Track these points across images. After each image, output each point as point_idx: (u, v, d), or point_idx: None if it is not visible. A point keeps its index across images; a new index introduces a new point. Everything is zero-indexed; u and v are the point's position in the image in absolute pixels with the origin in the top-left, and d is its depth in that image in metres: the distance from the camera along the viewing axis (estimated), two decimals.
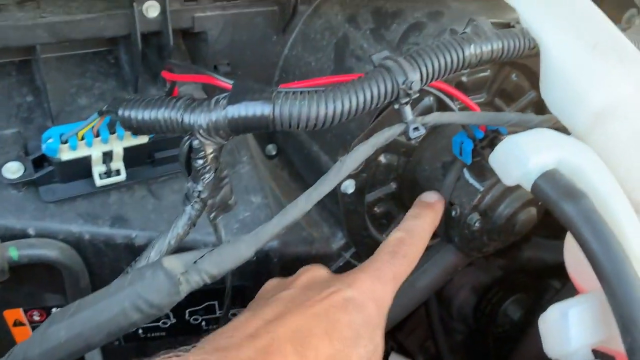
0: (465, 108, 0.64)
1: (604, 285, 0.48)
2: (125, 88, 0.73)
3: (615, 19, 1.13)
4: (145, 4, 0.65)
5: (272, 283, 0.61)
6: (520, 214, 0.70)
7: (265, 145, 0.88)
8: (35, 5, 0.66)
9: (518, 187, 0.55)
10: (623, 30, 1.14)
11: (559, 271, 0.61)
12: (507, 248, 0.76)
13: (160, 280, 0.45)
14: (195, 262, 0.47)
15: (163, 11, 0.66)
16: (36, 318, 0.72)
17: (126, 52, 0.73)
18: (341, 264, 0.82)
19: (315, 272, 0.58)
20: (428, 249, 0.82)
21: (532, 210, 0.70)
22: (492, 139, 0.63)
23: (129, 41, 0.69)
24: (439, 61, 0.55)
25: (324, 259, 0.81)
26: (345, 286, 0.54)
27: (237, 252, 0.48)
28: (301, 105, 0.51)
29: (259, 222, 0.76)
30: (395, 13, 0.71)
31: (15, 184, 0.64)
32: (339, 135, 0.71)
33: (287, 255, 0.77)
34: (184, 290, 0.46)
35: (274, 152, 0.89)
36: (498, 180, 0.65)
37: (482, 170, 0.67)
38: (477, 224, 0.69)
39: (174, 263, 0.47)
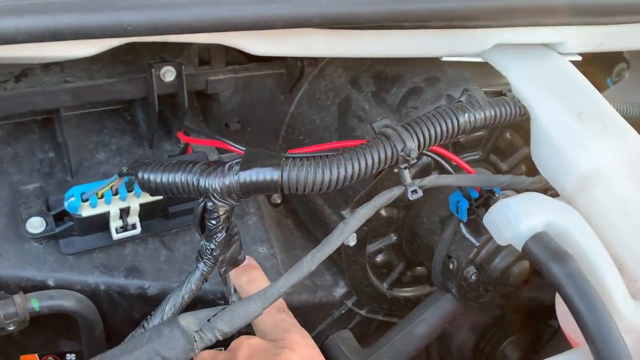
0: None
1: (589, 344, 0.52)
2: (141, 144, 0.78)
3: (606, 73, 1.19)
4: (163, 69, 0.70)
5: (204, 356, 0.58)
6: (514, 267, 0.73)
7: (271, 194, 0.92)
8: (59, 69, 0.71)
9: None
10: (613, 83, 1.19)
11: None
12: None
13: (176, 338, 0.49)
14: (209, 320, 0.50)
15: (179, 75, 0.71)
16: None
17: (142, 111, 0.78)
18: (343, 311, 0.86)
19: (252, 342, 0.56)
20: (426, 297, 0.85)
21: (525, 264, 0.74)
22: (486, 198, 0.67)
23: (146, 101, 0.74)
24: (435, 129, 0.60)
25: (327, 307, 0.84)
26: (289, 351, 0.54)
27: (247, 310, 0.52)
28: (307, 172, 0.55)
29: (265, 272, 0.80)
30: (395, 77, 0.75)
31: (37, 238, 0.67)
32: (341, 191, 0.75)
33: (292, 304, 0.80)
34: (199, 347, 0.49)
35: (279, 201, 0.93)
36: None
37: (477, 226, 0.71)
38: (473, 277, 0.73)
39: (189, 321, 0.50)
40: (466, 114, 0.61)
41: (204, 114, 0.83)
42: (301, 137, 0.83)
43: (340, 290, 0.84)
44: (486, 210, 0.64)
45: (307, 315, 0.83)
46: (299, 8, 0.51)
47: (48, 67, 0.71)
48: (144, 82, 0.70)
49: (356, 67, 0.79)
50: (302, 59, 0.79)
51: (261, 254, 0.80)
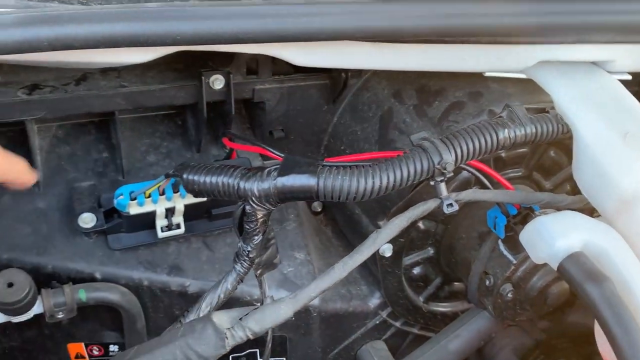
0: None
1: None
2: (190, 148, 0.81)
3: None
4: (212, 77, 0.73)
5: None
6: (552, 287, 0.72)
7: (312, 202, 0.94)
8: (116, 75, 0.76)
9: None
10: None
11: None
12: (551, 311, 0.78)
13: (208, 334, 0.51)
14: (240, 318, 0.52)
15: (227, 84, 0.73)
16: (95, 352, 0.79)
17: (192, 117, 0.81)
18: (377, 322, 0.86)
19: None
20: (463, 313, 0.85)
21: (565, 284, 0.72)
22: (524, 215, 0.66)
23: (196, 107, 0.77)
24: (473, 143, 0.60)
25: (361, 316, 0.85)
26: None
27: (277, 312, 0.53)
28: (343, 180, 0.56)
29: (300, 277, 0.81)
30: (438, 91, 0.76)
31: (87, 233, 0.72)
32: (379, 201, 0.76)
33: (326, 311, 0.81)
34: (230, 344, 0.51)
35: (319, 209, 0.95)
36: None
37: (515, 243, 0.70)
38: (509, 295, 0.72)
39: (222, 318, 0.52)
40: (506, 130, 0.61)
41: (250, 121, 0.86)
42: (342, 147, 0.84)
43: (375, 301, 0.85)
44: (524, 228, 0.64)
45: (340, 323, 0.84)
46: (341, 22, 0.52)
47: (106, 72, 0.76)
48: (195, 89, 0.74)
49: (400, 79, 0.79)
50: (346, 70, 0.80)
51: (298, 259, 0.81)
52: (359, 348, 0.86)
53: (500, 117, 0.63)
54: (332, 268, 0.56)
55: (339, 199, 0.57)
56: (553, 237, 0.57)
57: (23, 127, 0.75)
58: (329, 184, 0.56)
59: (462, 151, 0.59)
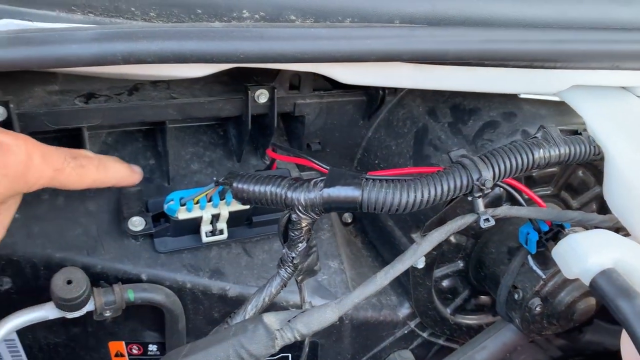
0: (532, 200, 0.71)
1: None
2: (231, 157, 0.85)
3: None
4: (257, 92, 0.76)
5: None
6: (579, 302, 0.74)
7: (343, 213, 0.97)
8: (165, 86, 0.80)
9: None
10: None
11: (620, 358, 0.64)
12: (569, 329, 0.80)
13: (259, 334, 0.54)
14: (289, 321, 0.55)
15: (271, 98, 0.77)
16: (135, 351, 0.83)
17: (234, 128, 0.85)
18: (406, 332, 0.89)
19: None
20: (488, 326, 0.87)
21: (591, 300, 0.75)
22: (556, 232, 0.69)
23: (239, 119, 0.81)
24: (510, 162, 0.63)
25: (390, 325, 0.88)
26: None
27: (324, 316, 0.56)
28: (386, 193, 0.60)
29: (334, 285, 0.85)
30: (472, 110, 0.79)
31: (135, 235, 0.75)
32: (413, 215, 0.79)
33: (358, 319, 0.84)
34: (279, 344, 0.54)
35: (349, 220, 0.98)
36: (560, 270, 0.71)
37: (545, 259, 0.72)
38: (537, 309, 0.74)
39: (272, 320, 0.55)
40: (541, 150, 0.64)
41: (287, 134, 0.89)
42: (376, 162, 0.87)
43: (404, 311, 0.87)
44: (555, 244, 0.66)
45: (371, 331, 0.86)
46: (391, 44, 0.56)
47: (156, 83, 0.80)
48: (240, 102, 0.77)
49: (434, 98, 0.83)
50: (383, 88, 0.84)
51: (332, 268, 0.84)
52: (387, 356, 0.89)
53: (535, 137, 0.66)
54: (375, 276, 0.59)
55: (381, 210, 0.60)
56: (586, 253, 0.59)
57: (76, 133, 0.79)
58: (372, 196, 0.60)
59: (499, 169, 0.62)
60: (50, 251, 0.73)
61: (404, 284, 0.87)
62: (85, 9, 0.60)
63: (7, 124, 0.68)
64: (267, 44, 0.54)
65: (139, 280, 0.75)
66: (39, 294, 0.72)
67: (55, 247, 0.73)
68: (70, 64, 0.53)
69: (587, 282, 0.60)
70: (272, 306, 0.76)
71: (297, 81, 0.81)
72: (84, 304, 0.66)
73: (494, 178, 0.62)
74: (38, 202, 0.74)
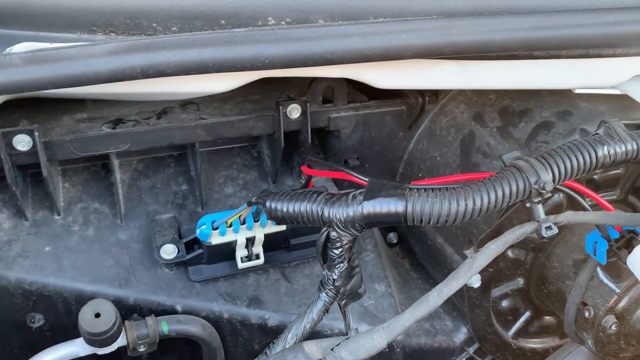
0: (596, 206, 0.64)
1: None
2: (265, 178, 0.81)
3: None
4: (289, 107, 0.73)
5: None
6: None
7: (387, 234, 0.91)
8: (195, 108, 0.77)
9: None
10: None
11: None
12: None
13: None
14: (332, 349, 0.49)
15: (304, 112, 0.73)
16: None
17: (268, 147, 0.81)
18: (464, 359, 0.81)
19: None
20: (555, 350, 0.79)
21: None
22: (628, 239, 0.61)
23: (272, 138, 0.77)
24: (571, 162, 0.56)
25: (446, 353, 0.80)
26: None
27: (371, 342, 0.50)
28: (433, 203, 0.54)
29: (382, 310, 0.78)
30: (523, 112, 0.73)
31: (168, 264, 0.71)
32: (465, 229, 0.73)
33: (410, 347, 0.77)
34: None
35: (395, 241, 0.92)
36: (637, 282, 0.63)
37: (618, 270, 0.65)
38: (612, 327, 0.66)
39: (313, 348, 0.50)
40: (605, 147, 0.57)
41: (323, 151, 0.85)
42: (420, 175, 0.82)
43: (461, 336, 0.80)
44: (629, 252, 0.59)
45: (425, 359, 0.79)
46: (430, 37, 0.51)
47: (185, 106, 0.77)
48: (272, 119, 0.74)
49: (480, 102, 0.77)
50: (423, 95, 0.79)
51: (379, 292, 0.78)
52: None
53: (597, 134, 0.60)
54: (427, 296, 0.53)
55: (429, 222, 0.54)
56: None
57: (106, 161, 0.77)
58: (418, 207, 0.54)
59: (559, 171, 0.56)
60: (82, 285, 0.70)
61: (459, 307, 0.80)
62: (107, 28, 0.58)
63: (33, 154, 0.66)
64: (293, 45, 0.50)
65: (173, 311, 0.71)
66: (72, 330, 0.68)
67: (87, 280, 0.70)
68: (88, 81, 0.50)
69: None
70: (314, 334, 0.70)
71: (330, 94, 0.77)
72: (114, 338, 0.62)
73: (553, 180, 0.56)
74: (68, 234, 0.72)
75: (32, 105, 0.73)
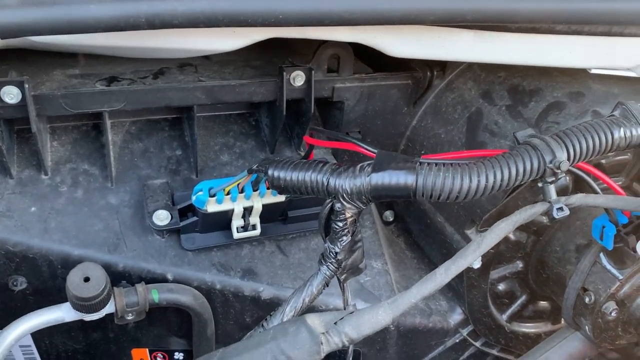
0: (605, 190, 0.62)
1: None
2: (263, 148, 0.78)
3: None
4: (293, 73, 0.70)
5: None
6: None
7: (383, 211, 0.89)
8: (193, 70, 0.74)
9: None
10: None
11: None
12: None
13: (302, 337, 0.46)
14: (335, 323, 0.47)
15: (308, 80, 0.70)
16: (159, 359, 0.76)
17: (267, 116, 0.78)
18: (457, 340, 0.80)
19: None
20: (547, 335, 0.78)
21: None
22: (637, 225, 0.60)
23: (272, 106, 0.74)
24: (587, 142, 0.55)
25: (440, 333, 0.79)
26: None
27: (375, 317, 0.48)
28: (445, 178, 0.52)
29: (378, 288, 0.76)
30: (534, 91, 0.71)
31: (160, 231, 0.68)
32: (468, 208, 0.71)
33: (405, 326, 0.76)
34: (324, 350, 0.47)
35: (391, 219, 0.90)
36: None
37: (622, 256, 0.64)
38: (612, 314, 0.65)
39: (316, 321, 0.48)
40: (622, 129, 0.56)
41: (324, 122, 0.82)
42: (423, 152, 0.79)
43: (455, 317, 0.79)
44: (638, 238, 0.57)
45: (418, 339, 0.78)
46: (454, 3, 0.48)
47: (183, 67, 0.74)
48: (274, 85, 0.71)
49: (489, 80, 0.75)
50: (431, 69, 0.76)
51: (375, 269, 0.77)
52: None
53: (612, 115, 0.58)
54: (434, 273, 0.51)
55: (439, 198, 0.52)
56: None
57: (97, 121, 0.74)
58: (429, 182, 0.52)
59: (574, 150, 0.54)
60: (69, 248, 0.66)
61: (455, 288, 0.78)
62: None
63: (22, 107, 0.62)
64: (311, 1, 0.47)
65: (164, 280, 0.68)
66: (57, 295, 0.65)
67: (74, 243, 0.67)
68: (87, 28, 0.46)
69: None
70: (310, 309, 0.68)
71: (335, 64, 0.74)
72: (103, 304, 0.59)
73: (568, 160, 0.54)
74: (55, 195, 0.68)
75: (21, 58, 0.69)
